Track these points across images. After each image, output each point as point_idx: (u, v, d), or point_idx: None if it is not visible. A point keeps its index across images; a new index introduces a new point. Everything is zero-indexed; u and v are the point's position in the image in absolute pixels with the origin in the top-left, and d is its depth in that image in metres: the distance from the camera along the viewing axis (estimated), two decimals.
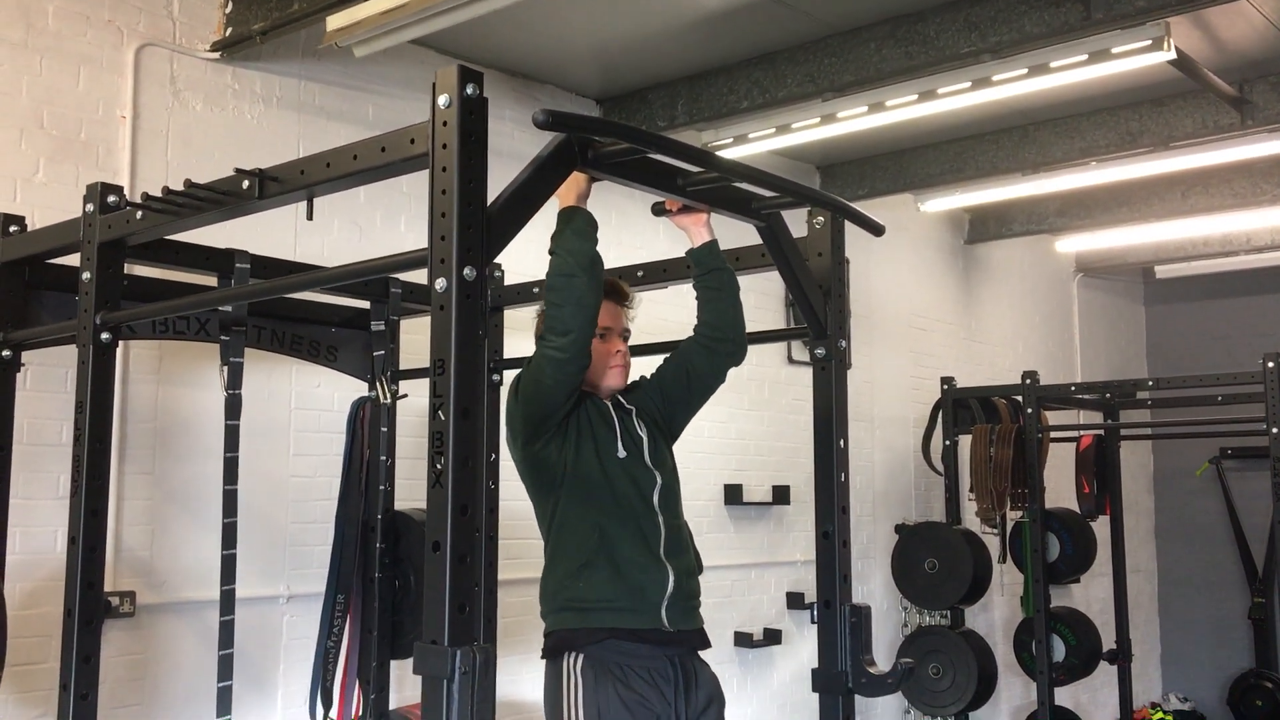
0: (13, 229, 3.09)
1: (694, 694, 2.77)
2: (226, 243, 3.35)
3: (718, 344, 2.90)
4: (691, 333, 2.96)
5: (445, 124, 1.95)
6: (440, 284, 1.91)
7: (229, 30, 4.12)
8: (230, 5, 4.16)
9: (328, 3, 3.78)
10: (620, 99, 5.47)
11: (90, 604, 2.65)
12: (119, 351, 3.81)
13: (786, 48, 4.88)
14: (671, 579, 2.74)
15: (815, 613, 2.79)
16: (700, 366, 2.93)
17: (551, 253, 2.57)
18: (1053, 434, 6.80)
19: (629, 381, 2.99)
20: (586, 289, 2.53)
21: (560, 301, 2.54)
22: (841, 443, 2.84)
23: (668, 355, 3.03)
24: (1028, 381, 6.50)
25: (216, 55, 4.15)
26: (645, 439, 2.87)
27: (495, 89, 5.04)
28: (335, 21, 3.72)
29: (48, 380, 3.59)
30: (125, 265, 3.39)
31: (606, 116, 5.51)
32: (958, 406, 6.82)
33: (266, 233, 3.99)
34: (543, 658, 2.77)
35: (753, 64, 4.98)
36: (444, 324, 1.90)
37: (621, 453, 2.80)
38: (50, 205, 3.64)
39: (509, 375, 3.82)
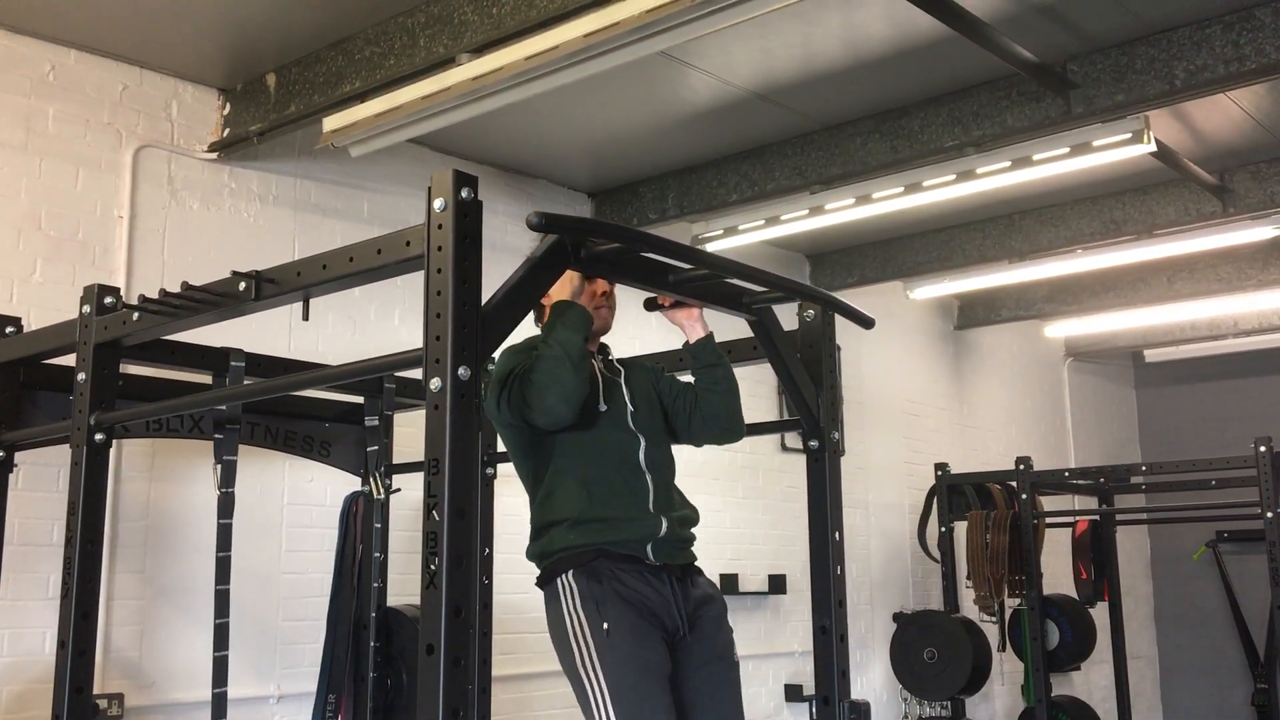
0: (9, 330, 3.11)
1: (690, 591, 2.74)
2: (221, 338, 3.37)
3: (708, 426, 2.93)
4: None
5: (440, 226, 1.98)
6: (435, 384, 1.92)
7: (226, 131, 4.20)
8: (228, 107, 4.24)
9: (324, 105, 3.87)
10: (612, 192, 5.55)
11: (79, 710, 2.60)
12: (113, 450, 3.83)
13: (775, 142, 4.97)
14: (665, 525, 2.71)
15: (814, 709, 2.75)
16: (695, 421, 2.93)
17: (543, 341, 2.61)
18: (1048, 520, 6.78)
19: (635, 358, 3.01)
20: (573, 379, 2.56)
21: (547, 385, 2.56)
22: (837, 535, 2.82)
23: (686, 384, 3.00)
24: (1021, 467, 6.50)
25: (214, 156, 4.22)
26: (629, 405, 2.84)
27: (489, 184, 5.11)
28: (332, 123, 3.79)
29: (39, 480, 3.58)
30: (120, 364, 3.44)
31: (598, 210, 5.59)
32: (952, 492, 6.81)
33: (261, 328, 4.00)
34: (538, 585, 2.74)
35: (742, 158, 5.08)
36: (438, 423, 1.90)
37: (603, 406, 2.77)
38: (47, 305, 3.66)
39: (502, 469, 3.81)
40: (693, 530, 2.84)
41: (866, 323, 2.84)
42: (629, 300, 2.95)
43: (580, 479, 2.70)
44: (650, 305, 2.86)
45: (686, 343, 2.93)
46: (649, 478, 2.78)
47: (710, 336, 2.90)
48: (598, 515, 2.68)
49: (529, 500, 2.82)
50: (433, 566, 1.87)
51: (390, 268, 2.18)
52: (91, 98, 3.96)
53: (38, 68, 3.85)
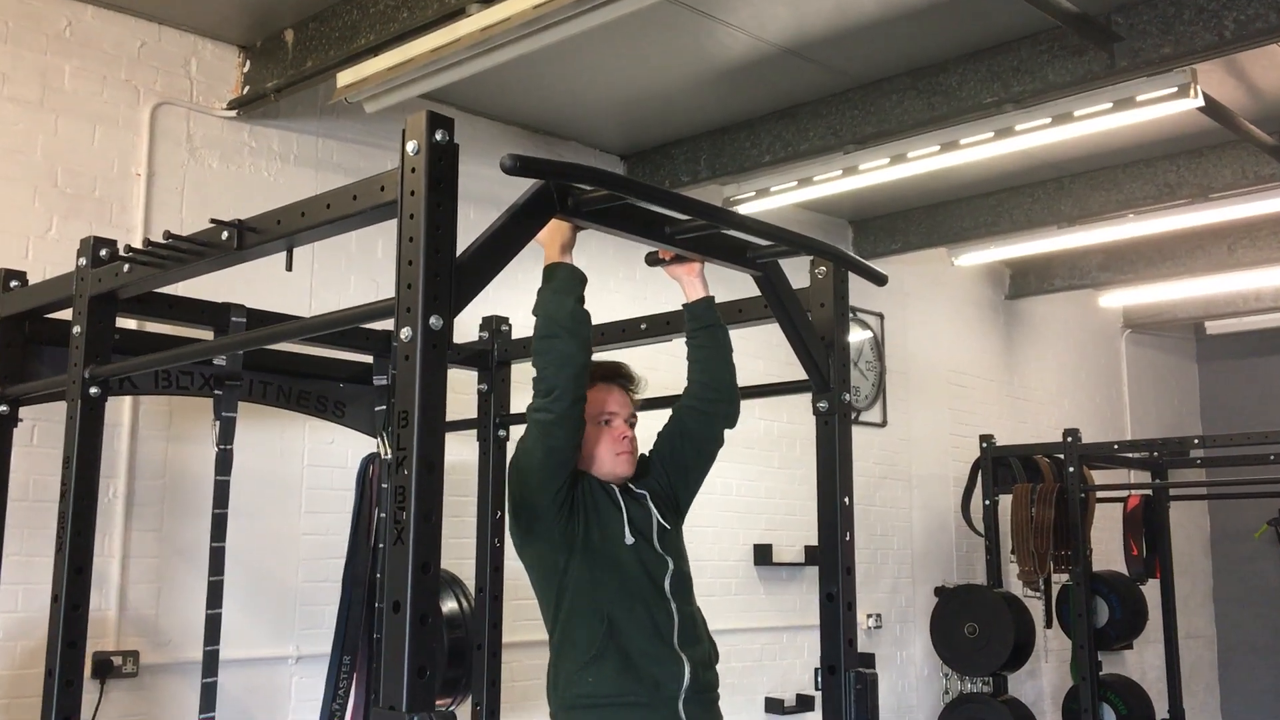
0: (13, 284, 3.09)
1: None
2: (243, 299, 3.32)
3: (710, 404, 2.78)
4: (682, 394, 2.84)
5: (414, 170, 1.90)
6: (405, 333, 1.85)
7: (246, 88, 4.16)
8: (248, 64, 4.20)
9: (339, 60, 3.80)
10: (644, 154, 5.44)
11: (71, 663, 2.59)
12: (130, 408, 3.83)
13: (808, 101, 4.83)
14: (688, 671, 2.56)
15: (818, 679, 2.65)
16: (694, 430, 2.79)
17: (534, 314, 2.48)
18: (1099, 494, 6.58)
19: (645, 457, 2.84)
20: (569, 348, 2.41)
21: (543, 365, 2.44)
22: (846, 500, 2.73)
23: (660, 431, 2.87)
24: (1069, 439, 6.31)
25: (233, 113, 4.18)
26: (655, 524, 2.70)
27: (520, 146, 5.04)
28: (345, 78, 3.72)
29: (52, 436, 3.58)
30: (136, 322, 3.42)
31: (630, 171, 5.49)
32: (998, 465, 6.64)
33: (283, 289, 4.01)
34: None
35: (774, 117, 4.94)
36: (408, 374, 1.83)
37: (629, 539, 2.62)
38: (62, 262, 3.64)
39: (515, 431, 3.75)
40: (716, 670, 2.69)
41: (879, 279, 2.72)
42: (633, 255, 2.86)
43: (601, 613, 2.54)
44: (652, 260, 2.76)
45: (687, 303, 2.81)
46: (673, 605, 2.62)
47: (711, 298, 2.78)
48: (618, 650, 2.52)
49: (548, 635, 2.66)
50: (400, 521, 1.80)
51: (367, 214, 2.11)
52: (109, 54, 3.93)
53: (54, 24, 3.83)
